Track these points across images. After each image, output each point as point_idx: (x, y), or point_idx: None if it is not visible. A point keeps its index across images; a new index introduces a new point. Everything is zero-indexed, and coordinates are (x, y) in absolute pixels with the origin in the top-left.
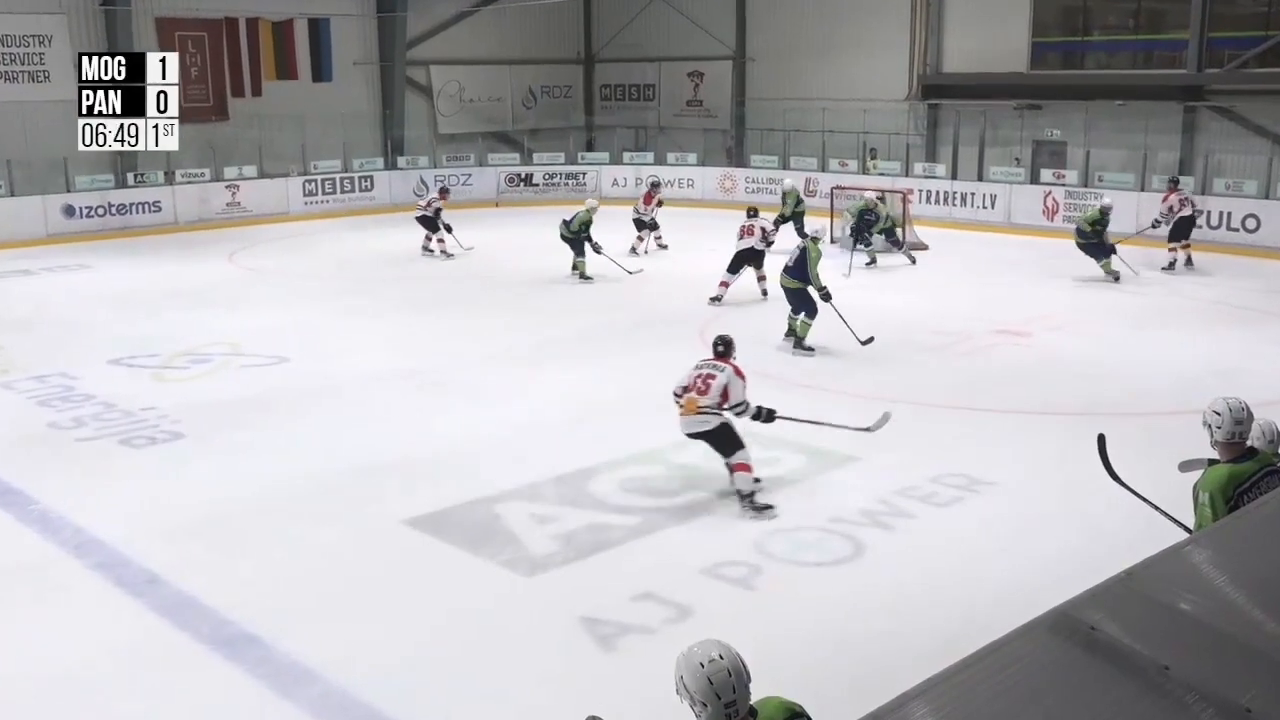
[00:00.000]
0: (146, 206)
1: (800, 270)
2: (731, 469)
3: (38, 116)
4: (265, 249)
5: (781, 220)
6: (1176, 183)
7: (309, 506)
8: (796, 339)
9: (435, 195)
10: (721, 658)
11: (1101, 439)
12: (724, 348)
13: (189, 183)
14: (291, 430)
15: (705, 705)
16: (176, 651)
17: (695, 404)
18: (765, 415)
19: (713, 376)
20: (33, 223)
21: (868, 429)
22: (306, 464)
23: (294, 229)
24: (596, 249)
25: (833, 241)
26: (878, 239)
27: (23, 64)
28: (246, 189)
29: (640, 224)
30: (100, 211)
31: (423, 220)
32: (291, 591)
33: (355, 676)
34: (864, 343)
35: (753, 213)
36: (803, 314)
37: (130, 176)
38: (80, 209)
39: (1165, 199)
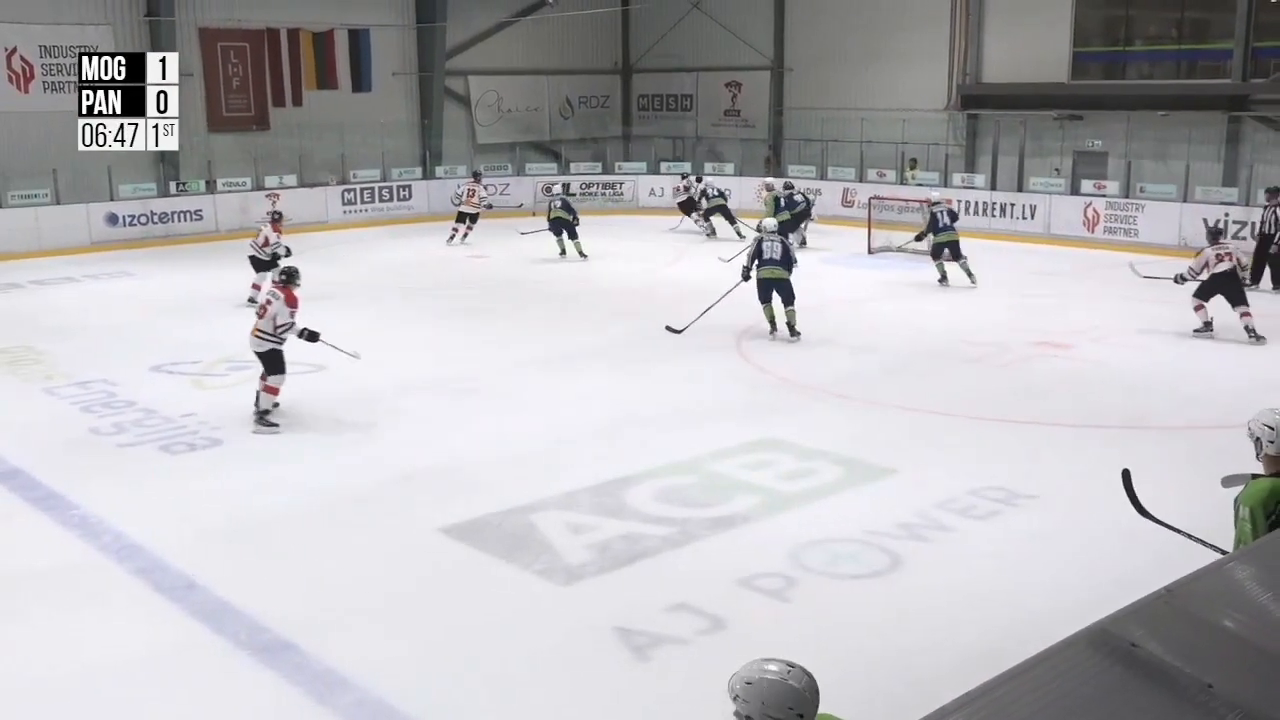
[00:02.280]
0: (188, 215)
1: (787, 259)
2: (263, 387)
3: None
4: (304, 257)
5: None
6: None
7: (345, 514)
8: (791, 328)
9: (272, 235)
10: (806, 676)
11: (1126, 474)
12: (285, 278)
13: (230, 191)
14: (328, 437)
15: None
16: (213, 657)
17: (255, 328)
18: (308, 335)
19: (270, 303)
20: (77, 231)
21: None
22: (343, 471)
23: (333, 238)
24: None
25: (870, 253)
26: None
27: (68, 74)
28: (287, 198)
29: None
30: (143, 220)
31: (253, 261)
32: (327, 598)
33: (390, 684)
34: (676, 331)
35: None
36: (789, 304)
37: (172, 185)
38: (123, 217)
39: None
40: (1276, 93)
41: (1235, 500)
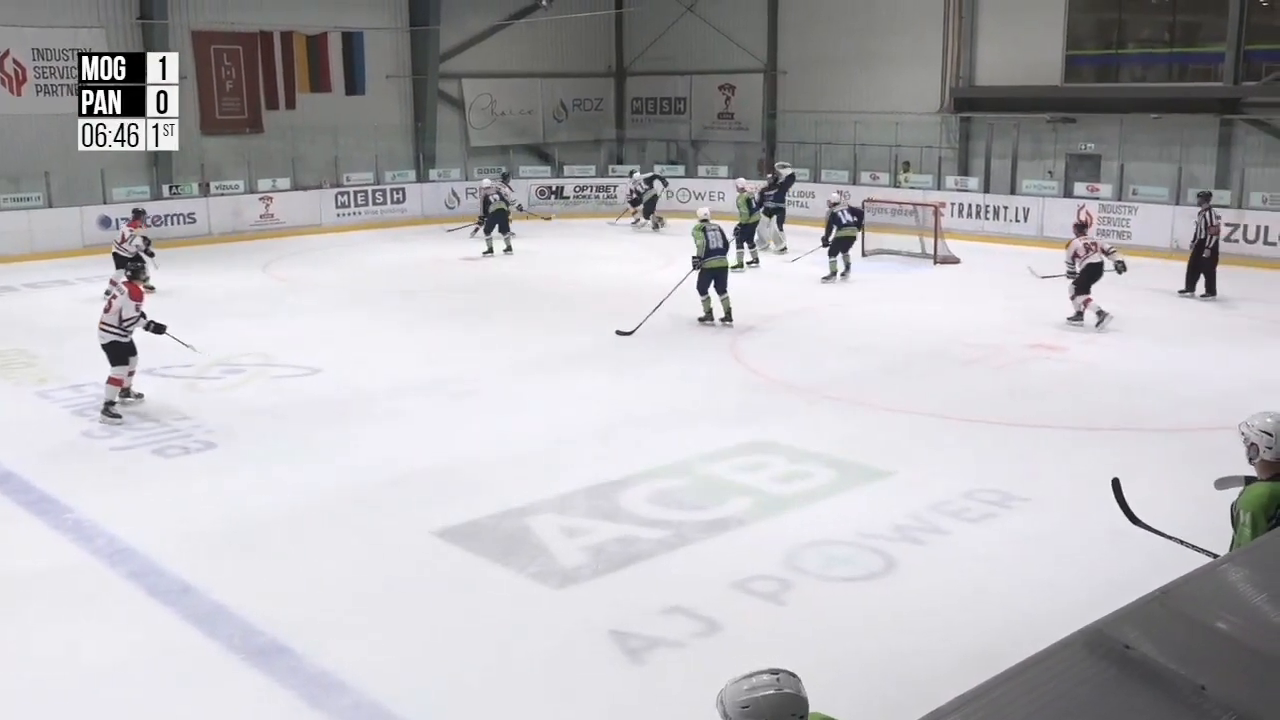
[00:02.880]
0: (181, 218)
1: (727, 246)
2: (108, 379)
3: (75, 129)
4: (298, 260)
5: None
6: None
7: (340, 516)
8: (726, 314)
9: (128, 230)
10: (795, 684)
11: (1116, 483)
12: (130, 273)
13: (224, 195)
14: (323, 440)
15: None
16: (207, 660)
17: (101, 321)
18: (154, 327)
19: (115, 297)
20: (70, 234)
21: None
22: (338, 474)
23: (327, 241)
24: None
25: (864, 255)
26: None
27: (61, 77)
28: (280, 201)
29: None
30: None
31: (115, 258)
32: (322, 602)
33: (385, 688)
34: (627, 333)
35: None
36: (726, 292)
37: (165, 188)
38: (116, 220)
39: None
40: (1269, 96)
41: (1233, 505)
